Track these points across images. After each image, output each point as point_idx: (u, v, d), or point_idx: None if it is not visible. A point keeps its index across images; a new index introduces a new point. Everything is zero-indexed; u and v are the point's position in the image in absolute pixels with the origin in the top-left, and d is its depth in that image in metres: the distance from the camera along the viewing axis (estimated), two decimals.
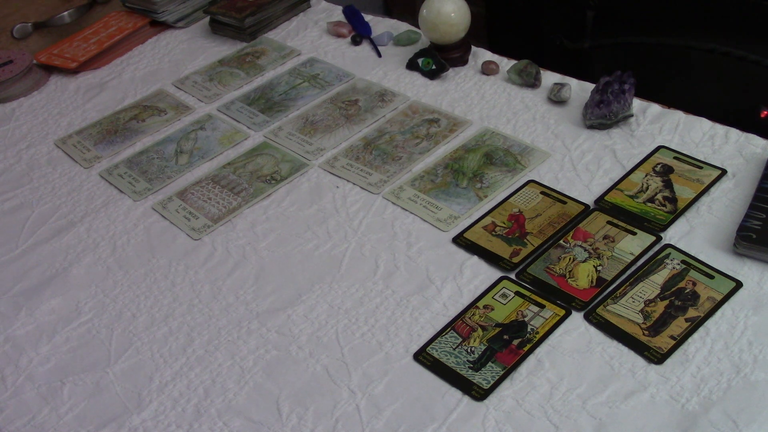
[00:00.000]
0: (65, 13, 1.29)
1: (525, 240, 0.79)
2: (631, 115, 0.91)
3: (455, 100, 1.01)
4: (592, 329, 0.69)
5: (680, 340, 0.66)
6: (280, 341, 0.73)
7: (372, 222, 0.84)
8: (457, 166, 0.90)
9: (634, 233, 0.77)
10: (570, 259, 0.76)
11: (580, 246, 0.77)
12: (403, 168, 0.91)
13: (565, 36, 1.68)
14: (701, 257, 0.73)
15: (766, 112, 1.41)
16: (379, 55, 1.13)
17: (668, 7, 1.51)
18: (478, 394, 0.65)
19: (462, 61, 1.07)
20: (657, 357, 0.66)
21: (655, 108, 0.93)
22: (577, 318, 0.70)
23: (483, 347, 0.69)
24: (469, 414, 0.64)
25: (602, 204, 0.81)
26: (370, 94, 1.04)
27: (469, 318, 0.72)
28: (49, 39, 1.29)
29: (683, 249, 0.75)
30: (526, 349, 0.68)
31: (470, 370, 0.67)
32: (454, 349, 0.69)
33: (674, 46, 1.53)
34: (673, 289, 0.71)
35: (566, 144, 0.90)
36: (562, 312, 0.71)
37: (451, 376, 0.67)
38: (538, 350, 0.68)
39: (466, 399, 0.65)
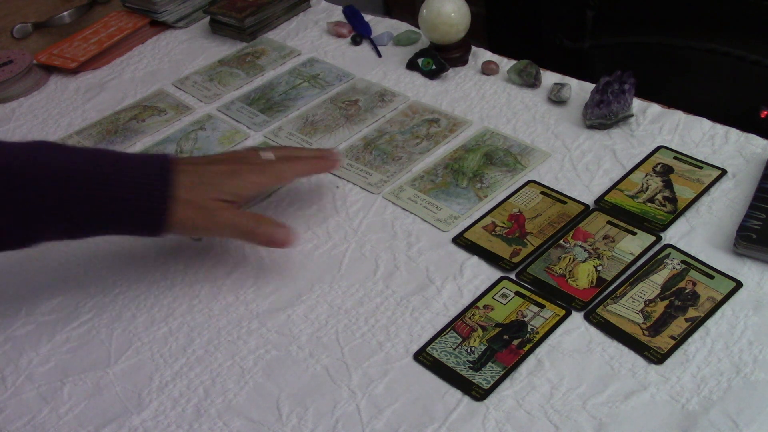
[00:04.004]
0: (65, 13, 1.29)
1: (525, 240, 0.79)
2: (631, 115, 0.91)
3: (455, 100, 1.01)
4: (592, 329, 0.69)
5: (680, 340, 0.67)
6: (280, 341, 0.73)
7: (372, 222, 0.84)
8: (457, 166, 0.90)
9: (634, 233, 0.77)
10: (570, 259, 0.76)
11: (580, 246, 0.77)
12: (403, 168, 0.91)
13: (565, 36, 1.68)
14: (701, 257, 0.73)
15: (766, 112, 1.41)
16: (379, 55, 1.13)
17: (668, 7, 1.51)
18: (478, 394, 0.65)
19: (462, 61, 1.07)
20: (657, 357, 0.66)
21: (655, 108, 0.93)
22: (577, 318, 0.70)
23: (483, 347, 0.69)
24: (469, 414, 0.64)
25: (602, 204, 0.81)
26: (370, 94, 1.04)
27: (469, 318, 0.72)
28: (49, 39, 1.29)
29: (683, 249, 0.75)
30: (526, 349, 0.68)
31: (470, 370, 0.67)
32: (454, 349, 0.69)
33: (674, 46, 1.53)
34: (673, 289, 0.71)
35: (566, 144, 0.90)
36: (562, 312, 0.71)
37: (451, 376, 0.67)
38: (538, 350, 0.68)
39: (466, 399, 0.65)
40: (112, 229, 0.75)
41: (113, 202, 0.70)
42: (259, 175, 0.77)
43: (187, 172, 0.73)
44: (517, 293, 0.73)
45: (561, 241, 0.78)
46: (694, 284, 0.71)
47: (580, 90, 0.98)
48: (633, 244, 0.76)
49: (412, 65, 1.08)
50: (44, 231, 0.71)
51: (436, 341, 0.70)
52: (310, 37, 1.20)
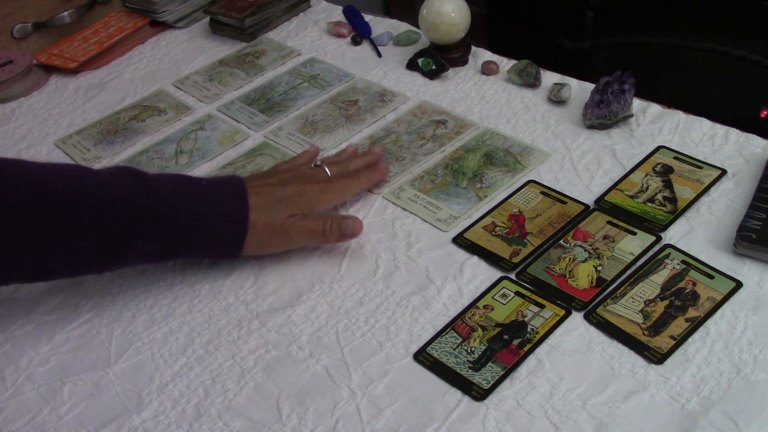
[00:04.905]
0: (65, 13, 1.29)
1: (525, 240, 0.79)
2: (631, 115, 0.91)
3: (455, 100, 1.01)
4: (592, 329, 0.69)
5: (680, 340, 0.67)
6: (280, 341, 0.73)
7: (372, 222, 0.84)
8: (457, 166, 0.90)
9: (634, 233, 0.77)
10: (570, 259, 0.76)
11: (580, 246, 0.77)
12: (405, 169, 0.91)
13: (565, 36, 1.68)
14: (701, 257, 0.73)
15: (766, 112, 1.41)
16: (379, 55, 1.13)
17: (668, 7, 1.51)
18: (478, 394, 0.65)
19: (462, 61, 1.07)
20: (657, 357, 0.66)
21: (655, 108, 0.93)
22: (577, 318, 0.70)
23: (483, 347, 0.69)
24: (469, 414, 0.64)
25: (602, 204, 0.81)
26: (370, 94, 1.04)
27: (469, 318, 0.72)
28: (49, 39, 1.30)
29: (683, 249, 0.75)
30: (526, 349, 0.68)
31: (470, 370, 0.67)
32: (454, 349, 0.69)
33: (674, 46, 1.53)
34: (673, 289, 0.71)
35: (566, 144, 0.90)
36: (562, 312, 0.71)
37: (451, 376, 0.67)
38: (538, 350, 0.68)
39: (466, 399, 0.65)
40: (191, 255, 0.80)
41: (195, 231, 0.74)
42: (326, 194, 0.82)
43: (259, 195, 0.77)
44: (517, 293, 0.73)
45: (561, 241, 0.78)
46: (694, 284, 0.71)
47: (580, 90, 0.98)
48: (633, 244, 0.76)
49: (412, 65, 1.08)
50: (126, 256, 0.74)
51: (436, 341, 0.70)
52: (310, 37, 1.20)
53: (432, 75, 1.06)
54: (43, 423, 0.69)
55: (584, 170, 0.86)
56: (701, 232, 0.77)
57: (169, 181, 0.77)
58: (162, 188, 0.74)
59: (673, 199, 0.80)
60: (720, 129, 0.88)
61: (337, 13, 1.25)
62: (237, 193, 0.77)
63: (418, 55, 1.08)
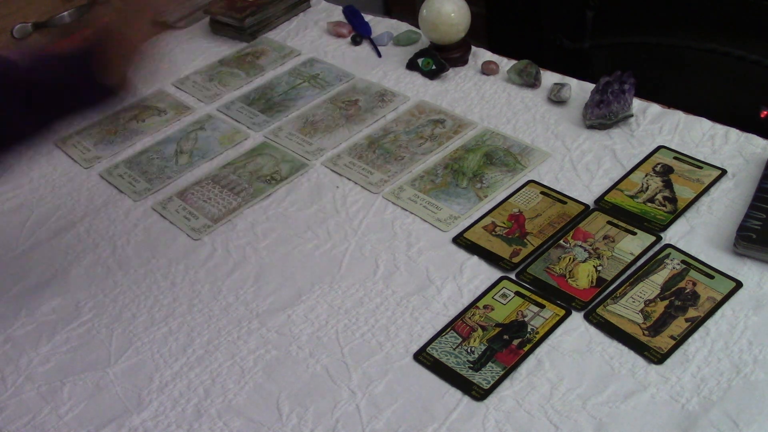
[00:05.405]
0: (65, 13, 1.29)
1: (525, 240, 0.79)
2: (631, 115, 0.91)
3: (455, 100, 1.01)
4: (592, 329, 0.69)
5: (680, 340, 0.67)
6: (280, 341, 0.73)
7: (372, 222, 0.84)
8: (457, 166, 0.90)
9: (634, 233, 0.77)
10: (570, 259, 0.76)
11: (580, 246, 0.77)
12: (405, 168, 0.91)
13: (565, 36, 1.68)
14: (701, 257, 0.73)
15: (766, 112, 1.41)
16: (379, 55, 1.13)
17: (668, 7, 1.51)
18: (478, 394, 0.65)
19: (462, 61, 1.07)
20: (657, 357, 0.66)
21: (655, 108, 0.93)
22: (577, 318, 0.70)
23: (483, 347, 0.69)
24: (469, 414, 0.64)
25: (602, 204, 0.81)
26: (370, 94, 1.04)
27: (469, 318, 0.72)
28: (49, 39, 1.29)
29: (683, 249, 0.75)
30: (526, 349, 0.68)
31: (470, 370, 0.67)
32: (454, 349, 0.69)
33: (675, 46, 1.53)
34: (673, 289, 0.71)
35: (566, 144, 0.90)
36: (562, 312, 0.71)
37: (451, 376, 0.67)
38: (538, 350, 0.68)
39: (466, 399, 0.65)
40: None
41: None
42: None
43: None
44: (517, 293, 0.73)
45: (561, 241, 0.78)
46: (694, 284, 0.71)
47: (580, 90, 0.98)
48: (633, 244, 0.76)
49: (412, 65, 1.08)
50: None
51: (436, 341, 0.70)
52: (310, 37, 1.20)
53: (432, 75, 1.06)
54: (43, 423, 0.69)
55: (584, 170, 0.86)
56: (701, 232, 0.77)
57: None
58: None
59: (673, 199, 0.80)
60: (720, 129, 0.88)
61: (337, 13, 1.25)
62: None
63: (418, 55, 1.08)
